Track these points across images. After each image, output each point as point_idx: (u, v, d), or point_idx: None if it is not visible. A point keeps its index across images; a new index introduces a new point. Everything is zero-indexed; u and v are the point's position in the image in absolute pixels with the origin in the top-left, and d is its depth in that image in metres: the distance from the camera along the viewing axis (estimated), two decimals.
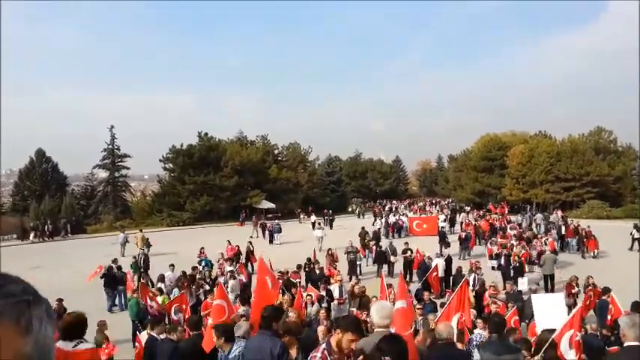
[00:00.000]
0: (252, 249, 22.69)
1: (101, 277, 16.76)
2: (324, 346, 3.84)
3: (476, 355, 5.14)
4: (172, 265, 17.48)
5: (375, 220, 39.06)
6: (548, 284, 17.72)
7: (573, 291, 14.21)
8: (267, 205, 49.27)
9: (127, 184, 53.60)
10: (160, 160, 48.64)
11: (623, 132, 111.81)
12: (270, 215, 47.90)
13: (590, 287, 13.79)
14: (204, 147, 48.44)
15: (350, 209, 57.45)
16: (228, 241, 23.64)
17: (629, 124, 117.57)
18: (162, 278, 16.05)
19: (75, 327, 4.24)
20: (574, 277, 14.55)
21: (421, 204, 58.59)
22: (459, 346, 6.56)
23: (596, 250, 25.04)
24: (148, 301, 12.61)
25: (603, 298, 12.48)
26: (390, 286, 12.77)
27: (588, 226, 27.20)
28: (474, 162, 60.80)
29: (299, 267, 16.96)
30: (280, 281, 13.11)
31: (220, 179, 47.13)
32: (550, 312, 7.71)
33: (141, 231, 30.26)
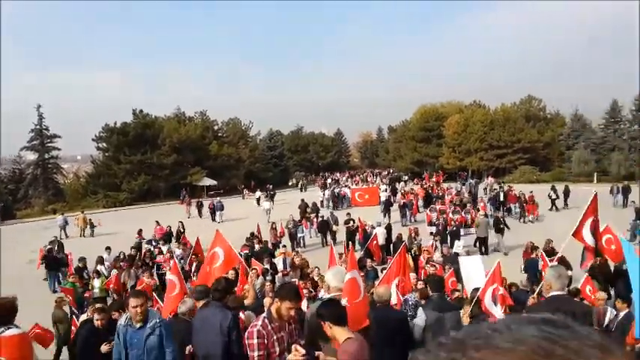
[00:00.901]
0: (182, 229, 22.18)
1: (42, 261, 16.85)
2: (264, 314, 3.88)
3: (416, 312, 5.33)
4: (109, 248, 17.14)
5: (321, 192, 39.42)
6: (482, 247, 18.59)
7: (532, 256, 14.22)
8: (208, 182, 48.53)
9: (58, 166, 50.90)
10: (93, 140, 46.44)
11: (551, 100, 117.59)
12: (211, 192, 47.25)
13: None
14: (140, 125, 46.64)
15: (290, 183, 57.18)
16: (157, 221, 22.97)
17: (556, 91, 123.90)
18: (101, 260, 15.62)
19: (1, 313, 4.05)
20: (530, 242, 14.59)
21: (363, 175, 59.50)
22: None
23: (533, 215, 25.73)
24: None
25: (532, 256, 13.28)
26: (340, 255, 13.10)
27: (531, 192, 27.59)
28: (412, 132, 62.24)
29: (248, 239, 17.03)
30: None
31: (158, 157, 45.75)
32: (474, 272, 8.25)
33: (82, 212, 29.54)
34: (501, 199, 27.82)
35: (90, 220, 27.72)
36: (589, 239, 7.96)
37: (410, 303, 7.20)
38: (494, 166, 52.51)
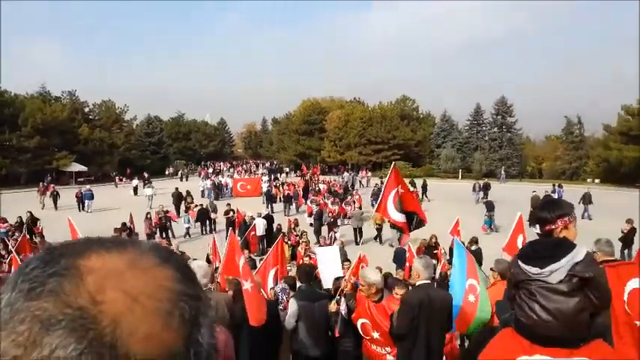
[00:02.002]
0: (33, 219, 19.94)
1: None
2: None
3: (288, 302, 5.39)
4: None
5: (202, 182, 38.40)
6: (357, 236, 19.44)
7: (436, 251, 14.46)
8: (77, 168, 44.94)
9: None
10: None
11: (425, 100, 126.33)
12: (81, 179, 43.78)
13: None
14: None
15: (167, 172, 54.24)
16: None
17: (430, 92, 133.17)
18: None
19: None
20: (423, 240, 14.67)
21: (247, 166, 59.09)
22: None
23: None
24: None
25: (399, 247, 14.13)
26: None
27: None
28: (295, 125, 63.14)
29: (116, 230, 15.97)
30: None
31: (18, 139, 41.24)
32: (331, 263, 8.45)
33: None
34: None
35: None
36: (396, 216, 7.32)
37: (278, 291, 7.32)
38: (372, 161, 55.22)
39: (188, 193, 26.32)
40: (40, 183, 32.50)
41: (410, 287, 4.79)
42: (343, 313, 4.91)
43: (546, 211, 2.65)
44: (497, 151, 50.79)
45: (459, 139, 53.73)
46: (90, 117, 52.01)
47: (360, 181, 39.63)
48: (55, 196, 28.37)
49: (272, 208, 26.55)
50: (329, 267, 7.83)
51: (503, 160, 49.36)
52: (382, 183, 31.34)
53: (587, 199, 24.54)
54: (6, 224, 19.04)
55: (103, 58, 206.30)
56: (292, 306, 5.04)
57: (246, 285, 5.12)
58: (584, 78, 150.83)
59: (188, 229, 20.76)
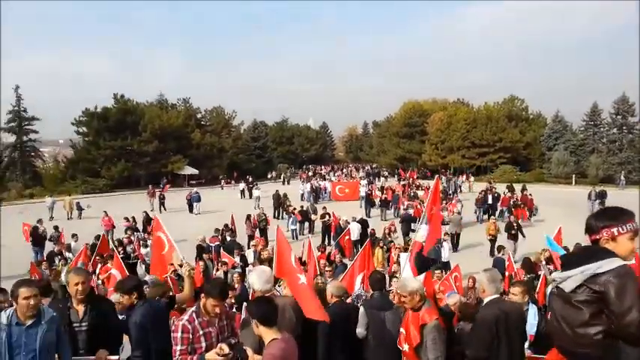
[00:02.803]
0: (148, 219, 20.97)
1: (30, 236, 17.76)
2: (193, 308, 3.81)
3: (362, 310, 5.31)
4: (75, 235, 16.87)
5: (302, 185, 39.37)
6: (454, 242, 18.75)
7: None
8: (190, 171, 48.23)
9: (36, 149, 50.02)
10: (72, 124, 45.65)
11: (534, 100, 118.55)
12: (193, 182, 46.96)
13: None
14: (121, 110, 45.99)
15: (269, 176, 53.91)
16: (105, 212, 21.92)
17: (540, 93, 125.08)
18: (68, 248, 15.43)
19: None
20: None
21: (347, 170, 59.50)
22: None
23: (523, 220, 21.94)
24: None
25: (497, 256, 13.36)
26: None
27: (530, 194, 27.00)
28: (396, 128, 62.37)
29: (217, 231, 16.83)
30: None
31: (139, 144, 45.22)
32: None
33: (69, 195, 31.12)
34: (489, 201, 26.41)
35: (77, 203, 28.05)
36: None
37: (363, 298, 7.21)
38: (476, 164, 52.91)
39: (285, 195, 27.12)
40: (150, 186, 34.64)
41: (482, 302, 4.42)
42: None
43: (594, 219, 2.46)
44: (616, 154, 46.08)
45: (573, 141, 49.57)
46: (202, 122, 55.65)
47: (461, 186, 38.06)
48: (162, 200, 29.94)
49: (369, 212, 26.51)
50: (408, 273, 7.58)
51: (623, 165, 44.56)
52: (491, 189, 29.94)
53: None
54: (128, 222, 21.01)
55: (215, 65, 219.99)
56: (361, 315, 4.94)
57: (302, 279, 5.12)
58: None
59: (294, 230, 21.50)
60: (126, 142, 44.79)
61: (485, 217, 25.35)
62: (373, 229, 17.57)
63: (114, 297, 6.06)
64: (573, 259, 2.30)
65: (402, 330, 4.61)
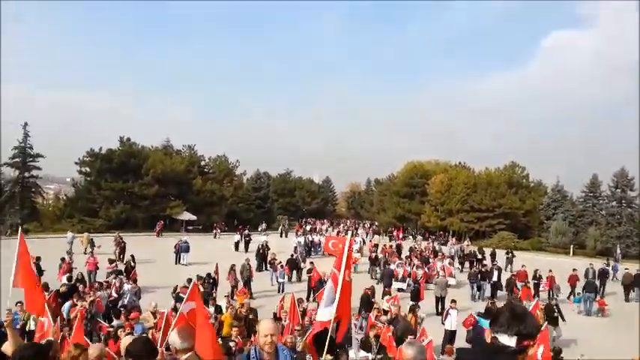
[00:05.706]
0: (133, 265, 21.07)
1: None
2: None
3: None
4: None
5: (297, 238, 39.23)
6: (438, 305, 18.46)
7: None
8: (187, 216, 48.24)
9: (37, 186, 50.46)
10: (76, 163, 46.33)
11: (535, 169, 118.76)
12: (190, 227, 46.95)
13: None
14: (125, 152, 46.78)
15: (259, 229, 48.26)
16: (91, 251, 23.21)
17: (541, 161, 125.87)
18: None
19: None
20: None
21: (343, 226, 59.27)
22: None
23: (529, 300, 19.17)
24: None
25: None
26: (301, 301, 13.60)
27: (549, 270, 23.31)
28: (397, 187, 62.80)
29: (189, 281, 16.63)
30: None
31: (140, 187, 45.62)
32: None
33: (88, 232, 33.33)
34: (495, 277, 22.63)
35: (92, 239, 29.42)
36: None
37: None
38: (474, 228, 52.70)
39: (268, 247, 27.82)
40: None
41: None
42: None
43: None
44: (615, 227, 45.91)
45: (572, 211, 49.55)
46: (205, 170, 56.27)
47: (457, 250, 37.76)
48: (123, 247, 27.80)
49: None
50: None
51: (621, 238, 44.30)
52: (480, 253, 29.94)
53: None
54: (112, 264, 21.05)
55: (224, 116, 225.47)
56: None
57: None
58: None
59: (282, 284, 21.66)
60: (127, 184, 45.23)
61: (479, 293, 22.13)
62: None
63: None
64: None
65: None
